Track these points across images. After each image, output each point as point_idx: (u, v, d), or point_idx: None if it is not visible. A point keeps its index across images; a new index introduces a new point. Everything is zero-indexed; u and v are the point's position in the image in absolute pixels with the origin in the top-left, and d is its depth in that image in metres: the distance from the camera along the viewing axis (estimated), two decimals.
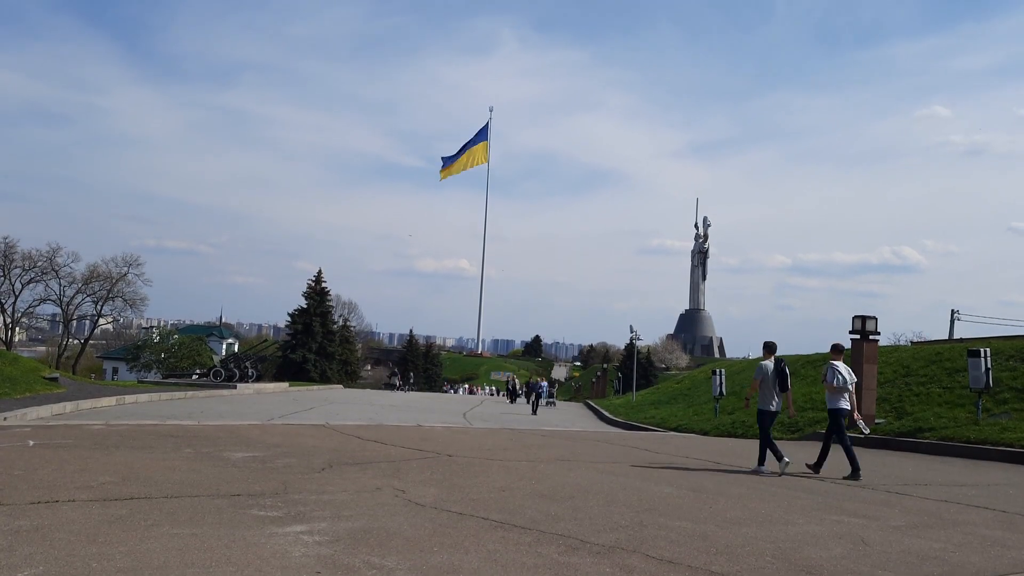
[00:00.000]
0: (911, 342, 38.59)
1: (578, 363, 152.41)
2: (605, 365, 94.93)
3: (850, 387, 10.92)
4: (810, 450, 15.39)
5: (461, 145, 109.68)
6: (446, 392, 74.15)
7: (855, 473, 10.27)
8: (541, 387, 41.29)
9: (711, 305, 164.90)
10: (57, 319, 70.20)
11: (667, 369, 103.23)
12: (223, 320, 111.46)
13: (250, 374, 40.98)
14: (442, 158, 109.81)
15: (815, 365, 28.22)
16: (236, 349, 76.46)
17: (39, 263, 60.34)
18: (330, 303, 68.41)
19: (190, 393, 28.77)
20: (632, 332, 60.57)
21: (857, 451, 15.17)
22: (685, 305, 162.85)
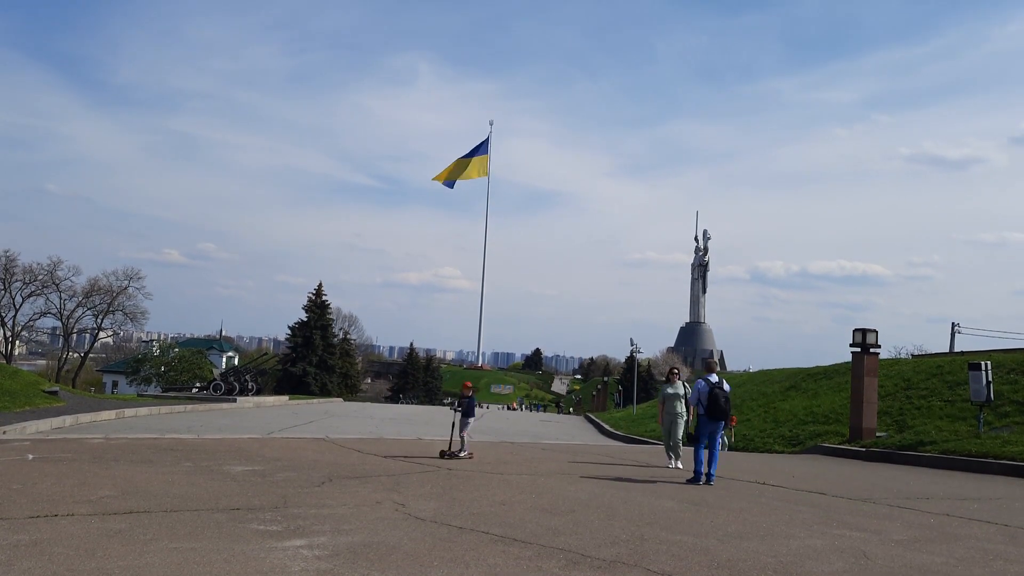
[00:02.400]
0: (912, 355, 38.54)
1: (578, 376, 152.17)
2: (605, 378, 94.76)
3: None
4: (810, 464, 15.33)
5: (461, 155, 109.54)
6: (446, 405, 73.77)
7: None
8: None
9: (711, 318, 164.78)
10: (57, 332, 70.21)
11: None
12: (223, 333, 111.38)
13: (250, 387, 40.91)
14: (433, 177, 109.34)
15: (816, 379, 28.18)
16: (236, 362, 76.37)
17: (40, 276, 60.47)
18: (330, 316, 68.45)
19: (190, 407, 28.71)
20: (632, 345, 60.59)
21: (858, 465, 15.15)
22: (685, 318, 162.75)
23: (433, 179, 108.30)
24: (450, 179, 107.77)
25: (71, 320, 63.37)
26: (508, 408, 77.26)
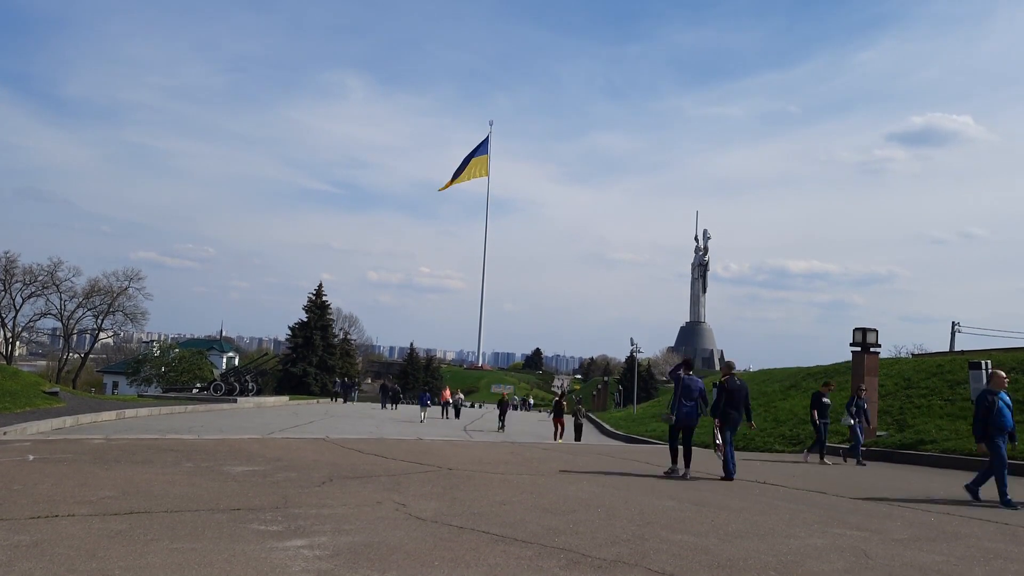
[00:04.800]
0: (912, 354, 38.54)
1: (579, 376, 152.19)
2: (606, 378, 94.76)
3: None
4: (810, 463, 15.33)
5: (463, 158, 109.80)
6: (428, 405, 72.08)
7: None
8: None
9: (712, 317, 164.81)
10: (57, 333, 70.20)
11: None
12: (223, 334, 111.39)
13: (250, 388, 40.91)
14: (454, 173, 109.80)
15: (816, 378, 28.18)
16: (236, 363, 76.36)
17: (40, 277, 60.46)
18: (330, 316, 68.42)
19: (190, 407, 28.72)
20: (633, 345, 60.61)
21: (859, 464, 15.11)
22: (685, 317, 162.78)
23: (440, 189, 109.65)
24: (454, 183, 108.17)
25: (71, 321, 63.38)
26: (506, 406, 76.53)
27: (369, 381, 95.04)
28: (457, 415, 39.99)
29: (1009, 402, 10.16)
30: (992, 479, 9.93)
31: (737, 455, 17.54)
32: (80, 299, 62.83)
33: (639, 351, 63.41)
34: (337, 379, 58.29)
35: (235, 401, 35.20)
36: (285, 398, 46.13)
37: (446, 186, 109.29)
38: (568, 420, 27.56)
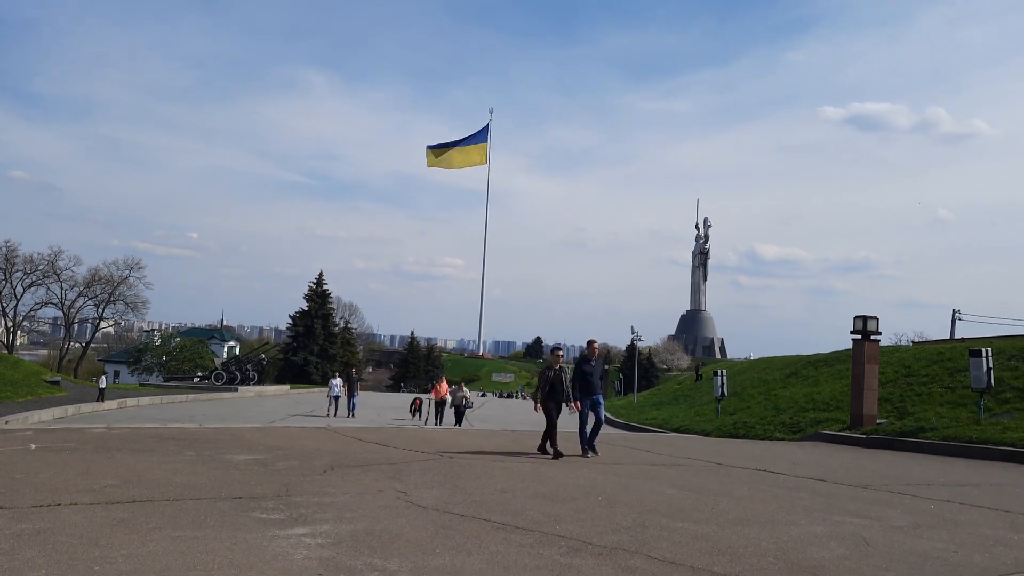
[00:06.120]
0: (912, 342, 38.56)
1: None
2: (606, 366, 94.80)
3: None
4: (811, 451, 15.37)
5: (454, 139, 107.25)
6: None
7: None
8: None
9: (712, 305, 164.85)
10: (59, 322, 70.34)
11: (668, 370, 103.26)
12: (224, 323, 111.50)
13: (251, 377, 40.96)
14: (428, 146, 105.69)
15: (816, 366, 28.21)
16: (237, 352, 76.42)
17: (40, 267, 60.48)
18: (331, 305, 68.43)
19: (191, 396, 28.79)
20: (633, 333, 60.67)
21: (859, 451, 15.19)
22: (686, 306, 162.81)
23: (430, 166, 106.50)
24: (445, 166, 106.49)
25: (72, 310, 63.48)
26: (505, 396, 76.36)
27: (370, 370, 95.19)
28: (458, 420, 25.86)
29: None
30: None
31: (736, 442, 17.62)
32: (81, 288, 62.94)
33: (640, 339, 63.46)
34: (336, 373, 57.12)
35: (236, 390, 35.27)
36: (286, 387, 46.20)
37: (436, 162, 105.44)
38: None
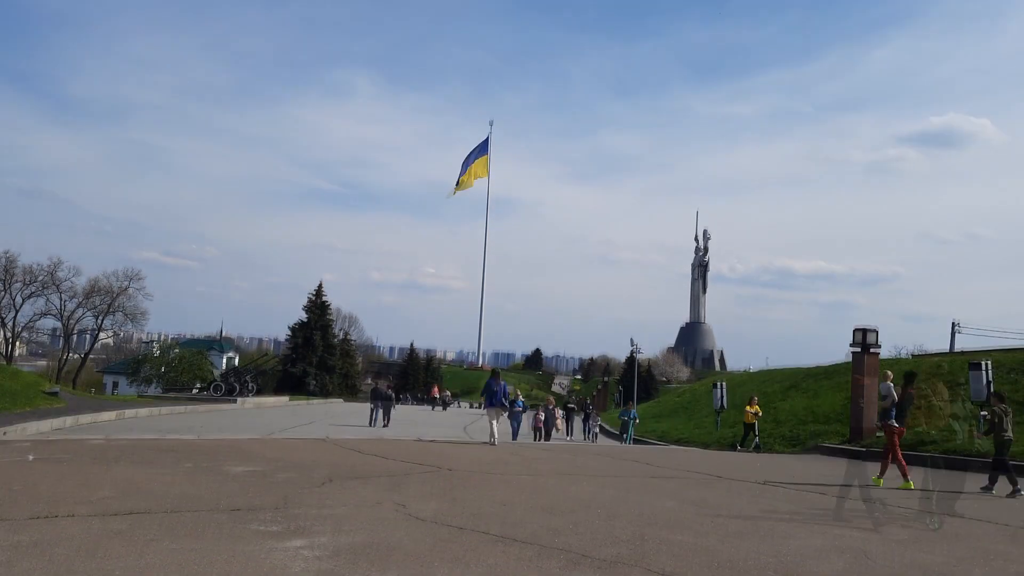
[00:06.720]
0: (912, 355, 38.51)
1: (579, 376, 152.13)
2: (606, 378, 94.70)
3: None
4: (811, 463, 15.34)
5: (463, 160, 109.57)
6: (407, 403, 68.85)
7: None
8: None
9: (712, 318, 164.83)
10: (57, 333, 70.14)
11: (668, 382, 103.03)
12: (223, 333, 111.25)
13: (250, 388, 40.86)
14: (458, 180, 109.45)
15: (816, 378, 28.17)
16: (236, 363, 76.28)
17: (40, 277, 60.43)
18: (330, 316, 68.39)
19: (190, 407, 28.73)
20: (633, 345, 60.63)
21: (860, 464, 15.17)
22: (685, 317, 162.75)
23: (448, 196, 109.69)
24: (465, 188, 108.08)
25: (71, 321, 63.35)
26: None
27: (368, 381, 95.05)
28: (444, 407, 52.04)
29: None
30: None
31: (736, 455, 17.58)
32: (80, 299, 62.78)
33: (639, 351, 63.41)
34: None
35: (235, 401, 35.19)
36: (285, 398, 46.11)
37: (453, 192, 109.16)
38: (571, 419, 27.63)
